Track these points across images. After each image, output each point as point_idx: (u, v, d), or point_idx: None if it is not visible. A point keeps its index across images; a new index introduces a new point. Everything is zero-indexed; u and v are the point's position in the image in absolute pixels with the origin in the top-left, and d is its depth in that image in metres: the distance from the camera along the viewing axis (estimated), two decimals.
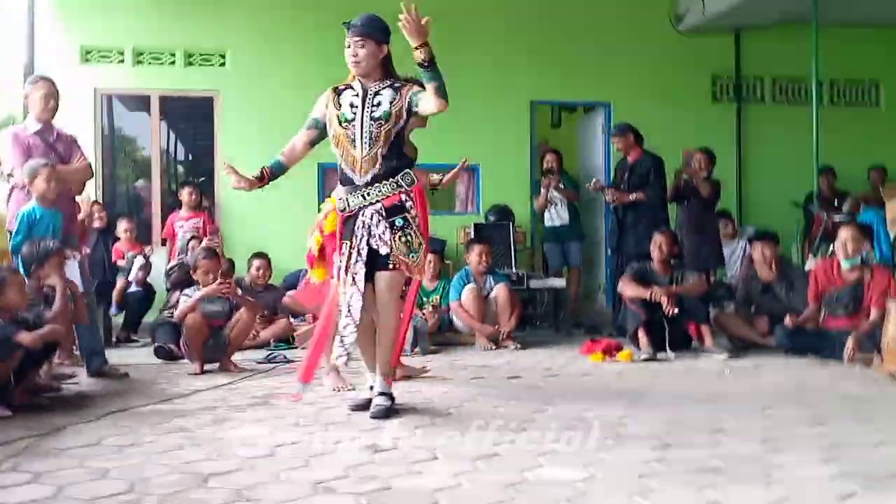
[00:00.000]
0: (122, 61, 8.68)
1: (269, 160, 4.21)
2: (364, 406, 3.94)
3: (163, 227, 8.31)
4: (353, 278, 3.88)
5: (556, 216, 8.42)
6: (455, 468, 2.87)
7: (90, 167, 5.36)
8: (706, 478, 2.73)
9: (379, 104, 3.88)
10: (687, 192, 7.69)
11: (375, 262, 3.88)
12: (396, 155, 3.92)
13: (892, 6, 8.94)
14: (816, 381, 4.93)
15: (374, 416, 3.80)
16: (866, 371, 5.20)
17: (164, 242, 8.11)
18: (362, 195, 3.90)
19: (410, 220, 3.90)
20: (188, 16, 8.68)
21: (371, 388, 4.06)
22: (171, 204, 8.71)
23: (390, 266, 3.86)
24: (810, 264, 7.15)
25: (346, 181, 3.96)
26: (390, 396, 3.95)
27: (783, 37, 9.22)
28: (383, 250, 3.86)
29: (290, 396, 4.22)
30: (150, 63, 8.73)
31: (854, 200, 8.44)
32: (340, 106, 3.96)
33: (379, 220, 3.87)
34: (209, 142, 8.92)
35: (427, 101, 3.80)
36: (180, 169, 10.83)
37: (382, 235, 3.86)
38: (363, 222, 3.89)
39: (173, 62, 8.74)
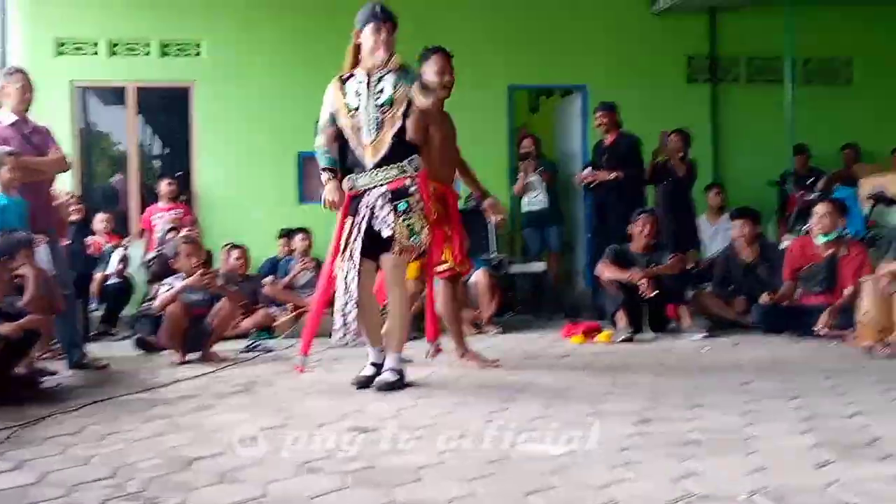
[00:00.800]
0: (96, 53, 8.61)
1: (325, 160, 4.22)
2: (367, 383, 4.05)
3: (140, 220, 8.28)
4: (351, 254, 3.98)
5: (535, 201, 8.44)
6: (439, 447, 2.90)
7: (65, 159, 5.31)
8: (686, 450, 2.78)
9: (382, 90, 4.05)
10: (663, 174, 7.75)
11: (379, 244, 4.02)
12: (402, 138, 4.06)
13: None
14: (793, 356, 5.00)
15: (379, 389, 3.95)
16: (842, 346, 5.29)
17: (141, 234, 8.07)
18: (370, 176, 4.04)
19: (413, 205, 4.04)
20: (162, 5, 8.61)
21: (372, 364, 4.15)
22: (148, 198, 8.65)
23: (395, 250, 4.00)
24: (786, 243, 7.23)
25: (356, 164, 4.09)
26: (399, 372, 4.06)
27: (757, 16, 9.27)
28: (386, 232, 4.01)
29: (295, 368, 4.42)
30: (125, 54, 8.67)
31: (828, 179, 8.53)
32: (346, 95, 4.10)
33: (384, 204, 4.01)
34: (186, 133, 8.87)
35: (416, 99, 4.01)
36: (157, 163, 10.75)
37: (386, 218, 4.01)
38: (367, 202, 4.03)
39: (148, 52, 8.67)
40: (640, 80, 9.16)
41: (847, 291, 5.68)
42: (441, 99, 4.38)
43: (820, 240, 5.92)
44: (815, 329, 5.56)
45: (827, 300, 5.79)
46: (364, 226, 4.01)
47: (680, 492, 2.32)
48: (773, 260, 6.46)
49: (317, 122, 5.50)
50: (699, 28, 9.52)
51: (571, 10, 9.22)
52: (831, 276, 5.87)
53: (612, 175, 7.20)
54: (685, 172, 7.67)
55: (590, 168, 7.63)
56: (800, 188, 8.13)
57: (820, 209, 5.94)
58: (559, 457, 2.72)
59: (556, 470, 2.57)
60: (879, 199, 7.40)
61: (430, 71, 4.48)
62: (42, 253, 4.88)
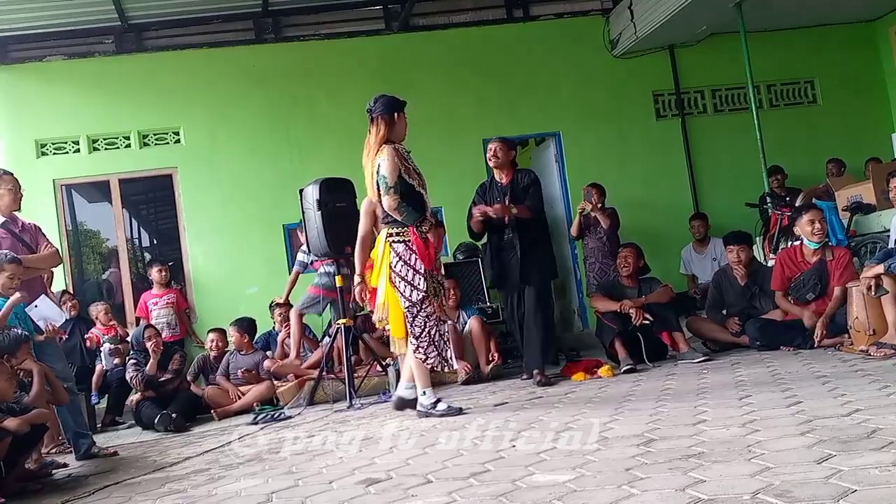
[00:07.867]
0: (77, 150, 8.78)
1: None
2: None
3: (136, 309, 8.35)
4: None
5: None
6: (449, 487, 2.93)
7: (58, 253, 5.42)
8: (690, 462, 2.82)
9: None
10: (589, 225, 8.09)
11: None
12: None
13: (810, 8, 9.35)
14: (790, 368, 5.04)
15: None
16: (837, 353, 5.35)
17: (138, 322, 8.13)
18: None
19: None
20: (139, 97, 8.82)
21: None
22: (141, 288, 8.72)
23: None
24: (772, 262, 7.33)
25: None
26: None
27: (716, 48, 9.53)
28: None
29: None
30: (105, 148, 8.84)
31: (806, 196, 8.68)
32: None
33: None
34: (173, 219, 9.00)
35: None
36: (147, 253, 10.85)
37: None
38: None
39: (129, 145, 8.85)
40: (609, 120, 9.40)
41: (836, 293, 5.77)
42: None
43: (812, 245, 6.02)
44: (814, 341, 5.65)
45: (818, 310, 5.87)
46: None
47: (686, 499, 2.37)
48: (764, 279, 6.53)
49: (300, 190, 5.71)
50: (661, 65, 9.76)
51: (536, 63, 9.49)
52: (823, 282, 5.95)
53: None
54: (609, 222, 7.98)
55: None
56: (779, 207, 8.28)
57: (812, 216, 6.03)
58: (566, 482, 2.76)
59: (564, 494, 2.61)
60: (857, 208, 7.53)
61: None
62: (46, 303, 4.95)
